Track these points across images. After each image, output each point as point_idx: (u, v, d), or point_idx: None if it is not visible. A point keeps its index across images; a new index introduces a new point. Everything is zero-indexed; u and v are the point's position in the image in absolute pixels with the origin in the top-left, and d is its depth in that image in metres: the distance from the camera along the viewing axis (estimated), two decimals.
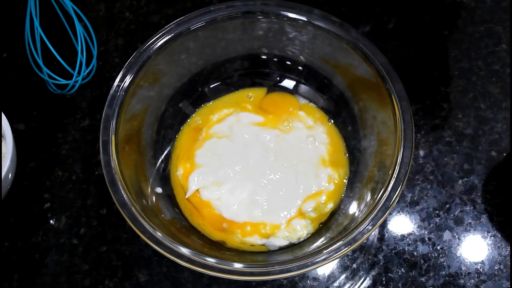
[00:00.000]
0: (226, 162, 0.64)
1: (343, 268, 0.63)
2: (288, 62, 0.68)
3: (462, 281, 0.62)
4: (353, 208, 0.61)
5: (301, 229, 0.62)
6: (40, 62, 0.70)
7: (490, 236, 0.65)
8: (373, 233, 0.61)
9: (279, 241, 0.61)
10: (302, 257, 0.52)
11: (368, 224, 0.53)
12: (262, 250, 0.61)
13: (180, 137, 0.67)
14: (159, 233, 0.53)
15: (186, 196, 0.63)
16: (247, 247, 0.61)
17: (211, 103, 0.68)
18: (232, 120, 0.66)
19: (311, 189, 0.63)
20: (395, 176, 0.55)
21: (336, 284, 0.63)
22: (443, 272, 0.63)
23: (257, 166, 0.64)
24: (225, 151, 0.65)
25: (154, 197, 0.62)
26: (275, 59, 0.69)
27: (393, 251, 0.64)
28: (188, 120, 0.68)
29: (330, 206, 0.63)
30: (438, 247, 0.64)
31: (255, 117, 0.67)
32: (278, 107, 0.68)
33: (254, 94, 0.69)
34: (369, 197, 0.58)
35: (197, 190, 0.63)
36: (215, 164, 0.64)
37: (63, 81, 0.70)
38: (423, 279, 0.62)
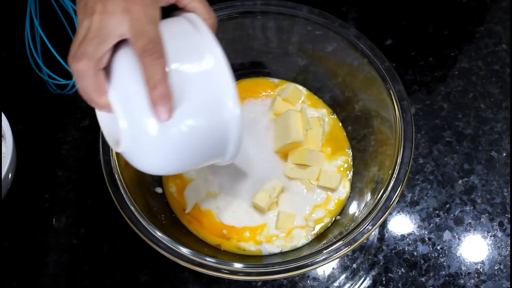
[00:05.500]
0: (216, 168, 0.62)
1: (343, 268, 0.63)
2: (288, 62, 0.68)
3: (462, 281, 0.62)
4: (353, 208, 0.61)
5: (299, 239, 0.61)
6: (40, 62, 0.70)
7: (490, 236, 0.65)
8: (373, 233, 0.61)
9: (272, 248, 0.61)
10: (302, 257, 0.52)
11: (368, 224, 0.53)
12: (256, 254, 0.61)
13: None
14: (159, 233, 0.53)
15: (186, 211, 0.62)
16: (241, 251, 0.61)
17: None
18: None
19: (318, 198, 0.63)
20: (395, 176, 0.55)
21: (336, 284, 0.63)
22: (443, 272, 0.63)
23: (256, 161, 0.63)
24: None
25: (154, 197, 0.62)
26: (275, 59, 0.69)
27: (393, 251, 0.64)
28: None
29: (327, 219, 0.62)
30: (438, 247, 0.64)
31: None
32: (250, 91, 0.68)
33: None
34: (369, 197, 0.58)
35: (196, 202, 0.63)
36: (206, 172, 0.63)
37: (63, 81, 0.70)
38: (423, 279, 0.62)
